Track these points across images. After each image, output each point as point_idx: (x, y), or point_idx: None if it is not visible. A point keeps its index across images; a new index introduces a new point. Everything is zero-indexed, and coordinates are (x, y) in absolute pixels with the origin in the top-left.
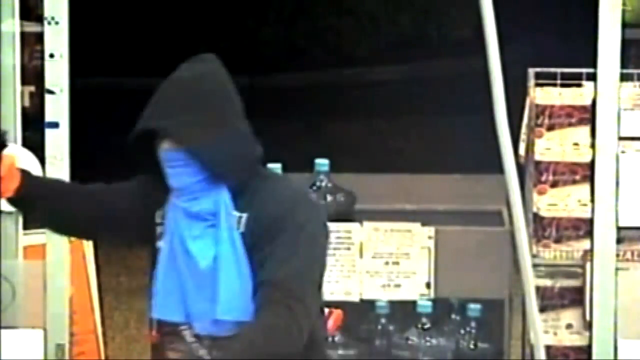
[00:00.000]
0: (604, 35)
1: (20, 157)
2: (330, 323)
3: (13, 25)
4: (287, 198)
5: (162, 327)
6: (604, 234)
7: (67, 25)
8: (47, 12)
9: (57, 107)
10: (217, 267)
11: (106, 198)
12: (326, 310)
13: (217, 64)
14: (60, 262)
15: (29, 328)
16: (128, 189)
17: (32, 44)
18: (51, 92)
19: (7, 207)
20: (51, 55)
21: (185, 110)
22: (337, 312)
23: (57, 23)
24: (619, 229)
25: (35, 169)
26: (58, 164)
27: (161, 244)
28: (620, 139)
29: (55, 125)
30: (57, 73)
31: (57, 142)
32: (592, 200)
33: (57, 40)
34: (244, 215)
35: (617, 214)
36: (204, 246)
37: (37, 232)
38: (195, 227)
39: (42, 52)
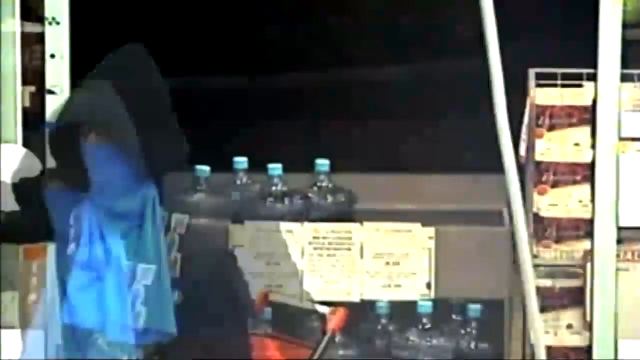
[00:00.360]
0: (604, 35)
1: (20, 156)
2: (335, 321)
3: (13, 25)
4: None
5: (74, 332)
6: (604, 234)
7: (68, 25)
8: (48, 12)
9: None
10: (137, 272)
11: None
12: (330, 308)
13: (143, 54)
14: None
15: (29, 329)
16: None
17: (32, 44)
18: (52, 93)
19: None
20: (52, 56)
21: (111, 104)
22: (341, 310)
23: (57, 23)
24: (619, 229)
25: (35, 168)
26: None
27: (73, 246)
28: (621, 139)
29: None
30: (58, 73)
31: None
32: (593, 201)
33: (57, 40)
34: (186, 217)
35: (618, 214)
36: (128, 247)
37: None
38: (119, 227)
39: (42, 52)
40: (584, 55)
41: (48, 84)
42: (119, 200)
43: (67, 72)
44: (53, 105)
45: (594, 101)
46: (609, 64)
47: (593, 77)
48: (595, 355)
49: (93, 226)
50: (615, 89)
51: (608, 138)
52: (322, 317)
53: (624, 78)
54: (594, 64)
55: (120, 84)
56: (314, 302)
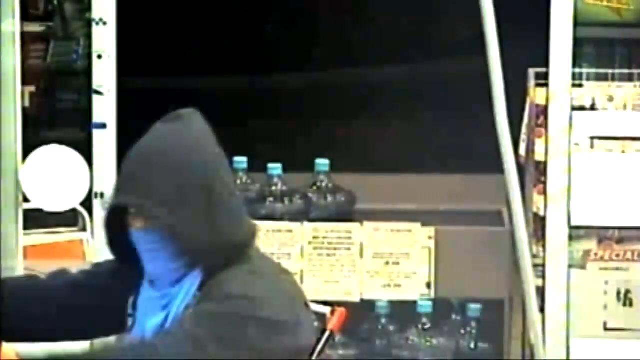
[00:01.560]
0: (555, 35)
1: (69, 159)
2: (334, 321)
3: (13, 25)
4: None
5: None
6: (557, 233)
7: (115, 25)
8: (95, 13)
9: (105, 108)
10: None
11: (77, 293)
12: (330, 308)
13: (197, 123)
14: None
15: None
16: (102, 274)
17: (32, 43)
18: (99, 93)
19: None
20: (99, 56)
21: (158, 184)
22: (341, 311)
23: (104, 24)
24: (571, 228)
25: (82, 171)
26: (105, 165)
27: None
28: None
29: (102, 126)
30: (105, 73)
31: (104, 143)
32: (545, 201)
33: (104, 40)
34: None
35: (570, 213)
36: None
37: (37, 232)
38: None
39: (44, 51)
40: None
41: (95, 85)
42: (169, 293)
43: (114, 73)
44: (100, 106)
45: (594, 101)
46: (560, 63)
47: (593, 77)
48: (548, 354)
49: (144, 318)
50: (567, 89)
51: (560, 137)
52: (322, 317)
53: (624, 78)
54: (545, 64)
55: (170, 160)
56: (313, 302)
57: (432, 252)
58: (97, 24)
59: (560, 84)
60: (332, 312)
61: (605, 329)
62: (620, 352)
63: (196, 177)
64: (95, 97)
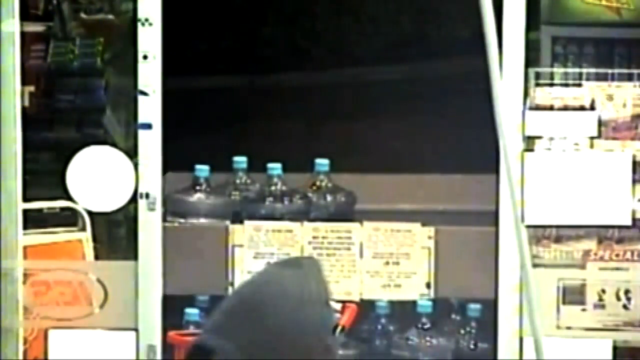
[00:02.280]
0: (508, 34)
1: (114, 159)
2: (345, 318)
3: (13, 25)
4: None
5: None
6: (508, 232)
7: (160, 26)
8: (141, 14)
9: (150, 109)
10: None
11: None
12: (340, 304)
13: (315, 275)
14: (153, 263)
15: (121, 329)
16: None
17: (32, 43)
18: (144, 94)
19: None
20: (144, 57)
21: (254, 335)
22: (352, 307)
23: (150, 24)
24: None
25: (127, 171)
26: (150, 166)
27: None
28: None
29: (148, 126)
30: (150, 74)
31: (150, 144)
32: (497, 200)
33: (150, 41)
34: None
35: (523, 212)
36: None
37: (37, 232)
38: None
39: (44, 52)
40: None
41: (140, 85)
42: None
43: (159, 73)
44: (145, 107)
45: (593, 101)
46: (512, 62)
47: (593, 77)
48: (500, 354)
49: None
50: (520, 87)
51: (511, 136)
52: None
53: (624, 78)
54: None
55: (283, 312)
56: None
57: (432, 252)
58: (143, 24)
59: (511, 84)
60: (343, 308)
61: (558, 327)
62: (572, 350)
63: (297, 337)
64: (140, 98)
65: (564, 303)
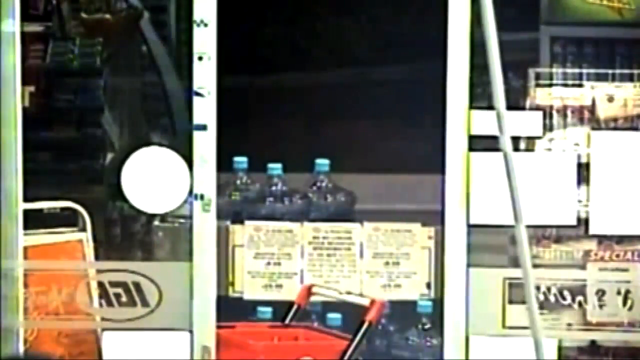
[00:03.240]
0: (453, 32)
1: (169, 160)
2: (373, 313)
3: (13, 25)
4: None
5: None
6: (455, 232)
7: (216, 27)
8: (197, 15)
9: (205, 109)
10: None
11: None
12: (369, 300)
13: None
14: (207, 264)
15: (175, 330)
16: None
17: (31, 43)
18: (199, 95)
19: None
20: (199, 58)
21: None
22: (379, 302)
23: (205, 25)
24: (470, 226)
25: (182, 172)
26: (205, 166)
27: None
28: (472, 137)
29: (203, 127)
30: (205, 75)
31: (205, 144)
32: (443, 199)
33: (205, 42)
34: None
35: (469, 211)
36: None
37: (37, 232)
38: None
39: (43, 51)
40: None
41: (195, 86)
42: None
43: (214, 74)
44: (200, 108)
45: (594, 101)
46: (457, 62)
47: (593, 77)
48: (446, 353)
49: None
50: (465, 86)
51: (456, 136)
52: (361, 309)
53: (624, 78)
54: (443, 65)
55: None
56: (352, 294)
57: (432, 252)
58: (198, 25)
59: (456, 84)
60: (371, 304)
61: (504, 326)
62: (518, 349)
63: None
64: (195, 99)
65: (509, 302)
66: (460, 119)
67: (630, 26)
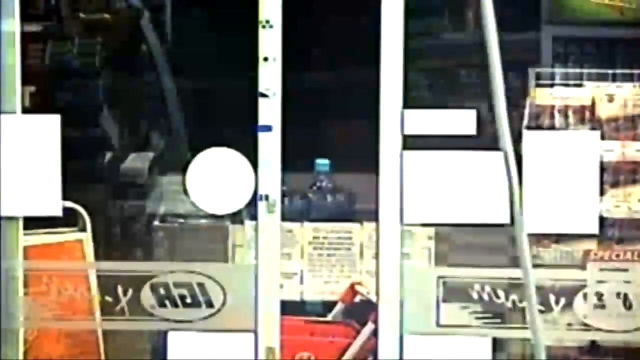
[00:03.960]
0: (386, 31)
1: (233, 161)
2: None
3: (13, 25)
4: None
5: None
6: (388, 231)
7: (281, 28)
8: (262, 16)
9: (270, 111)
10: None
11: None
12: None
13: None
14: (272, 265)
15: (239, 331)
16: None
17: (31, 43)
18: (264, 96)
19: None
20: (265, 59)
21: None
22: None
23: (271, 27)
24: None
25: (247, 173)
26: (271, 168)
27: None
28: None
29: (268, 128)
30: (271, 76)
31: (270, 146)
32: (377, 199)
33: (271, 43)
34: None
35: (402, 211)
36: None
37: (37, 233)
38: None
39: (43, 51)
40: None
41: (261, 87)
42: None
43: (279, 75)
44: (266, 109)
45: (593, 100)
46: (391, 60)
47: (594, 77)
48: (380, 353)
49: None
50: (399, 85)
51: (390, 135)
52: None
53: (625, 78)
54: (376, 63)
55: None
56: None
57: (432, 252)
58: (264, 26)
59: (390, 83)
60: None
61: (438, 325)
62: (451, 348)
63: None
64: (261, 100)
65: (444, 301)
66: (394, 118)
67: (631, 25)
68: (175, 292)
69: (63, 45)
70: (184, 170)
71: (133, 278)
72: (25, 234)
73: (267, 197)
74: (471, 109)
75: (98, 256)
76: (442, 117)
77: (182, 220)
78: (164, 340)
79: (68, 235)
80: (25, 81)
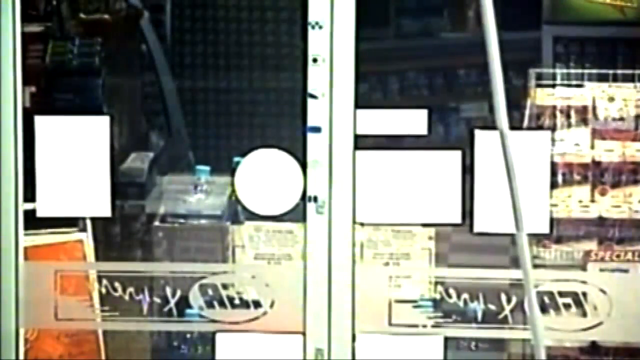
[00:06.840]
0: (338, 26)
1: (282, 162)
2: None
3: (13, 25)
4: None
5: None
6: (341, 229)
7: (331, 29)
8: (311, 17)
9: (319, 112)
10: None
11: None
12: None
13: None
14: (321, 266)
15: (288, 333)
16: None
17: (31, 43)
18: (313, 97)
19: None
20: (314, 60)
21: None
22: None
23: (320, 27)
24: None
25: (296, 174)
26: (319, 169)
27: None
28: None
29: (317, 130)
30: (320, 78)
31: (319, 147)
32: (329, 200)
33: (320, 44)
34: None
35: (355, 212)
36: None
37: (37, 233)
38: None
39: (42, 51)
40: None
41: (310, 88)
42: None
43: (328, 77)
44: (314, 110)
45: (594, 100)
46: (343, 59)
47: (595, 77)
48: (332, 353)
49: None
50: (351, 84)
51: (343, 135)
52: None
53: (625, 78)
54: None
55: None
56: None
57: (432, 252)
58: (313, 27)
59: (343, 80)
60: None
61: (390, 324)
62: (403, 347)
63: None
64: (310, 101)
65: (395, 301)
66: (347, 117)
67: (632, 25)
68: (224, 293)
69: (63, 45)
70: (232, 173)
71: (178, 279)
72: (25, 234)
73: (315, 199)
74: (422, 109)
75: (98, 256)
76: (393, 117)
77: (182, 221)
78: (212, 341)
79: (68, 235)
80: (25, 81)
